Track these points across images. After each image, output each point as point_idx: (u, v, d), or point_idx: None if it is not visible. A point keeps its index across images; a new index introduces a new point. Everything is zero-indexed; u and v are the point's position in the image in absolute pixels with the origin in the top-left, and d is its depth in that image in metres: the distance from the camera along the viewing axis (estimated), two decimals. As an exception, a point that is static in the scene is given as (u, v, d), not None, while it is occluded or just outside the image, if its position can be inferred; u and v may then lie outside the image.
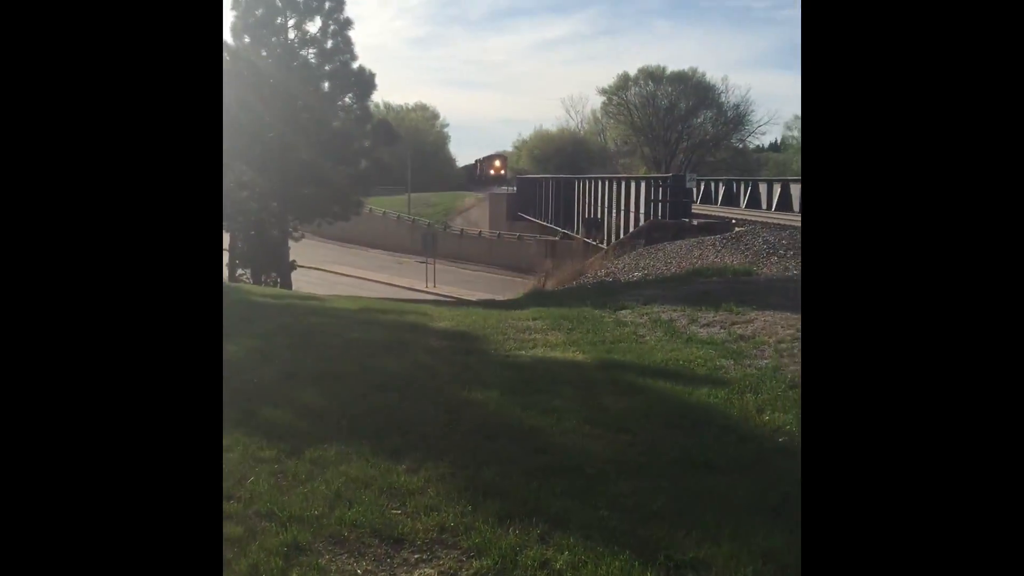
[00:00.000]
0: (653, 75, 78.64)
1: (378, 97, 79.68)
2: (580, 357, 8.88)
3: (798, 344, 8.65)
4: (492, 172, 75.46)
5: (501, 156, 79.60)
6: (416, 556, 3.94)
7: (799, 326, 9.47)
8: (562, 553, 3.93)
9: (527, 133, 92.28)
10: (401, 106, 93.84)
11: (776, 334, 9.27)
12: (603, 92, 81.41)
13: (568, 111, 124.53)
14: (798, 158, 73.91)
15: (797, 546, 4.01)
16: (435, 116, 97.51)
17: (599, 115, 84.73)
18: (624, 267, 19.86)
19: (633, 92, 79.37)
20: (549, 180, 49.85)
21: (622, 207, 31.37)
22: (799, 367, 7.77)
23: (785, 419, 6.12)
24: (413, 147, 68.20)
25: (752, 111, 78.30)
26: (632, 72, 79.89)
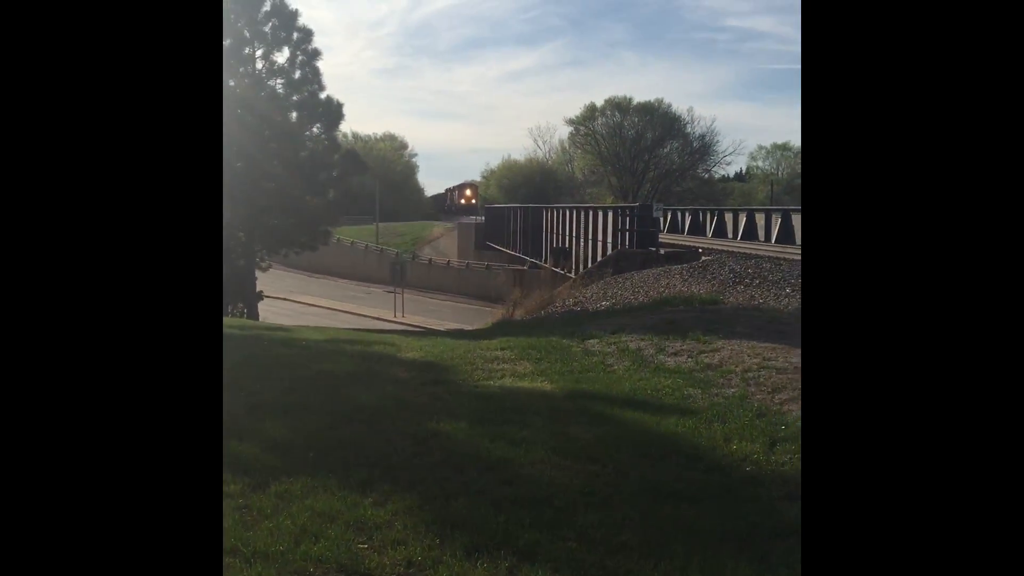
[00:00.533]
0: (620, 106, 79.49)
1: (346, 127, 79.49)
2: (548, 387, 8.88)
3: (764, 372, 8.72)
4: (463, 201, 75.32)
5: (472, 185, 79.60)
6: (383, 591, 3.89)
7: (765, 355, 9.55)
8: (530, 586, 3.90)
9: (495, 163, 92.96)
10: (369, 136, 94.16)
11: (743, 363, 9.33)
12: (570, 122, 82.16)
13: (536, 141, 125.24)
14: (763, 188, 74.92)
15: (765, 576, 4.03)
16: (403, 146, 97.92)
17: (567, 145, 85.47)
18: (592, 296, 19.92)
19: (600, 122, 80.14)
20: (517, 209, 50.02)
21: (590, 236, 31.53)
22: (765, 396, 7.82)
23: (752, 448, 6.15)
24: (381, 177, 68.25)
25: (717, 141, 79.33)
26: (599, 103, 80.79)
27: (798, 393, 7.72)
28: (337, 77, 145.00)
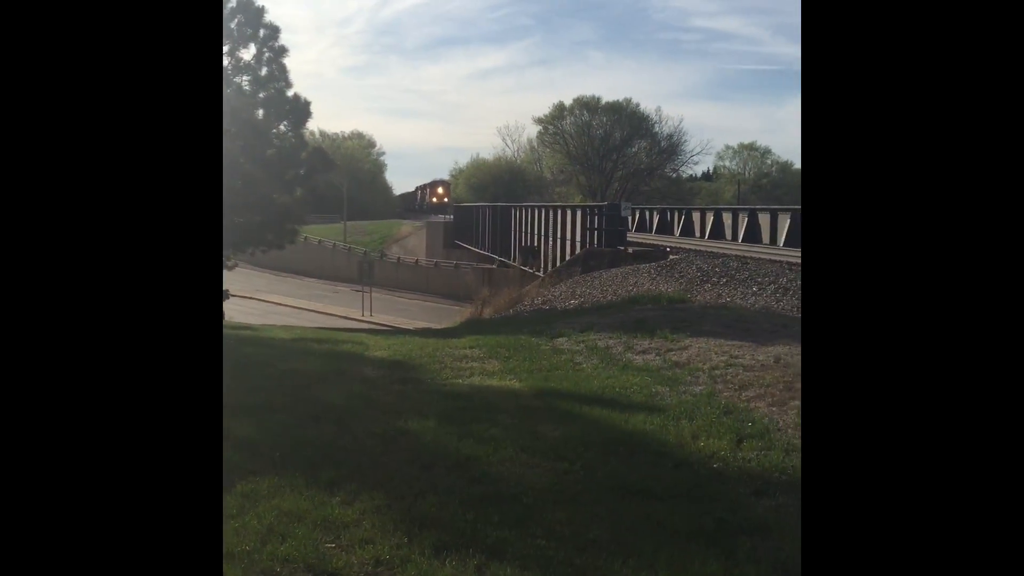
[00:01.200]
0: (588, 105, 79.68)
1: (313, 125, 78.71)
2: (517, 385, 8.88)
3: (731, 370, 8.78)
4: (435, 199, 73.27)
5: (444, 182, 78.02)
6: (351, 591, 3.86)
7: (733, 353, 9.62)
8: (499, 584, 3.89)
9: (464, 161, 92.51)
10: (337, 134, 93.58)
11: (710, 360, 9.39)
12: (539, 121, 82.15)
13: (505, 140, 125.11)
14: (730, 187, 75.48)
15: (733, 572, 4.05)
16: (371, 144, 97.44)
17: (535, 144, 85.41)
18: (561, 295, 19.95)
19: (569, 122, 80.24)
20: (486, 208, 49.96)
21: (558, 235, 31.57)
22: (732, 393, 7.88)
23: (720, 445, 6.19)
24: (349, 175, 67.85)
25: (685, 141, 79.60)
26: (567, 102, 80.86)
27: (765, 390, 7.79)
28: (304, 74, 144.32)
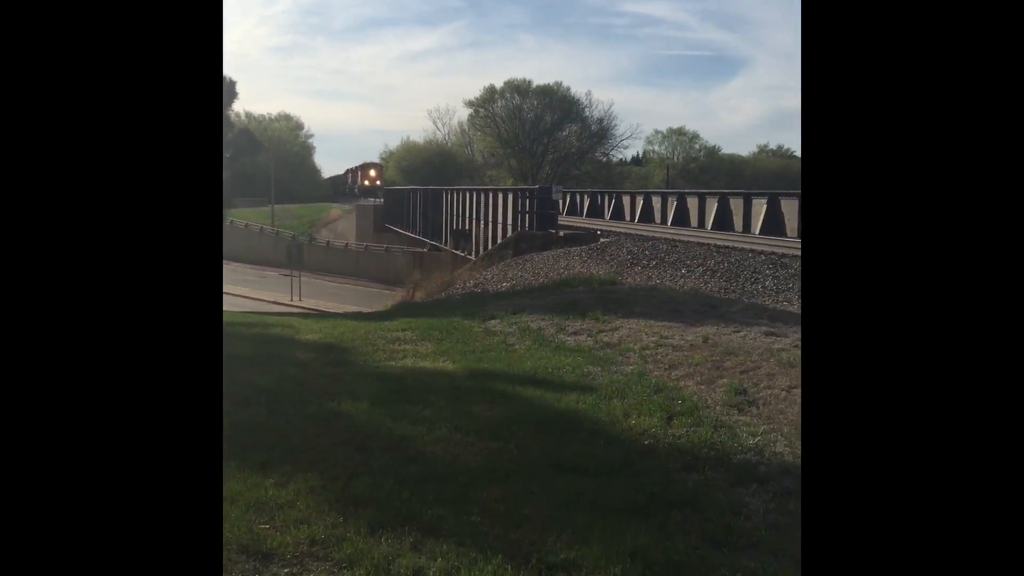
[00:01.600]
0: (519, 88, 79.76)
1: (239, 106, 77.32)
2: (450, 367, 8.89)
3: (661, 350, 8.94)
4: (367, 182, 71.13)
5: (377, 165, 75.41)
6: (286, 571, 3.85)
7: (663, 333, 9.79)
8: (435, 560, 3.92)
9: (394, 144, 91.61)
10: (264, 116, 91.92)
11: (640, 341, 9.54)
12: (470, 104, 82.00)
13: (435, 123, 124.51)
14: (659, 171, 76.43)
15: (664, 545, 4.16)
16: (299, 126, 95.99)
17: (466, 127, 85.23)
18: (493, 278, 20.00)
19: (499, 105, 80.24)
20: (417, 191, 49.67)
21: (490, 219, 31.59)
22: (663, 372, 8.02)
23: (650, 423, 6.31)
24: (277, 157, 66.68)
25: (615, 125, 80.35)
26: (498, 85, 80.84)
27: (694, 369, 7.96)
28: (229, 54, 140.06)
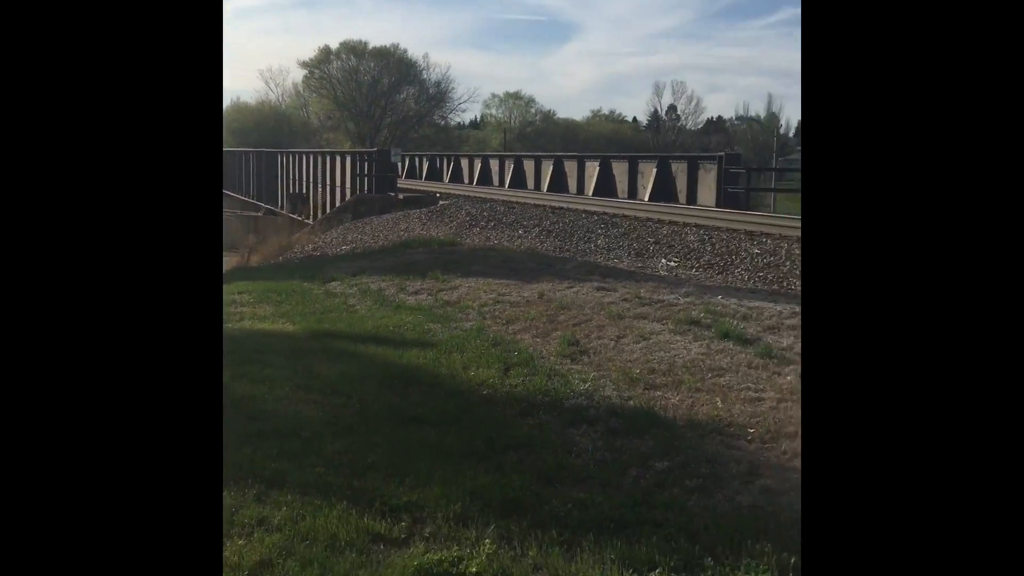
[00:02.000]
0: (355, 50, 78.10)
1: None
2: (291, 328, 8.87)
3: (499, 307, 9.22)
4: None
5: None
6: (127, 528, 3.84)
7: (500, 291, 10.07)
8: (280, 509, 4.02)
9: (224, 105, 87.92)
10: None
11: (479, 298, 9.79)
12: (304, 65, 79.51)
13: (268, 83, 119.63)
14: (497, 135, 77.01)
15: (501, 483, 4.40)
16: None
17: (301, 89, 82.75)
18: (332, 241, 19.78)
19: (335, 66, 78.32)
20: (250, 154, 48.03)
21: (328, 182, 31.06)
22: (500, 327, 8.30)
23: (488, 374, 6.56)
24: (96, 118, 62.75)
25: (453, 89, 79.94)
26: (334, 46, 78.89)
27: (529, 324, 8.28)
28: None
